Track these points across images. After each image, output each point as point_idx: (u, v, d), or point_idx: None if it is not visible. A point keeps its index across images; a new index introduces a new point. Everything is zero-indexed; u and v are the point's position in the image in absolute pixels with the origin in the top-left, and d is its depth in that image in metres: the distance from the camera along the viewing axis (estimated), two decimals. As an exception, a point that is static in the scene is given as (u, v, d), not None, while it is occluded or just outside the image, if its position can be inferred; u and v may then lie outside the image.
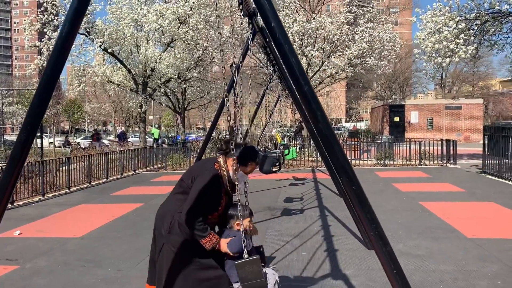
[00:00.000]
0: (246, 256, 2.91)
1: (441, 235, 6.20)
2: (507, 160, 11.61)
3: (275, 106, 13.22)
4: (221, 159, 3.21)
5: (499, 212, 7.68)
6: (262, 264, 3.04)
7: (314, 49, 21.93)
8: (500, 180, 11.52)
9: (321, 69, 23.50)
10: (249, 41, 5.97)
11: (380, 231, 1.82)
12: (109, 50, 17.77)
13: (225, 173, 3.16)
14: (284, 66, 1.81)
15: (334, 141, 1.81)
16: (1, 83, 62.73)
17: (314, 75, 23.56)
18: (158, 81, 20.28)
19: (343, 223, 7.05)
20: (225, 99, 3.10)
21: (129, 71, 19.31)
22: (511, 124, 25.36)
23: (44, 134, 39.83)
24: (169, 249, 3.05)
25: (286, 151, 10.38)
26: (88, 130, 56.10)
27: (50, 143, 38.07)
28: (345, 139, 17.56)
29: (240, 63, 6.12)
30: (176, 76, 20.73)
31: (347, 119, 63.48)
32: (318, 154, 14.26)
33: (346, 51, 23.39)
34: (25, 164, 10.49)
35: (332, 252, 5.54)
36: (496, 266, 4.84)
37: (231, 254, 3.01)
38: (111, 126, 59.15)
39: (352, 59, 23.27)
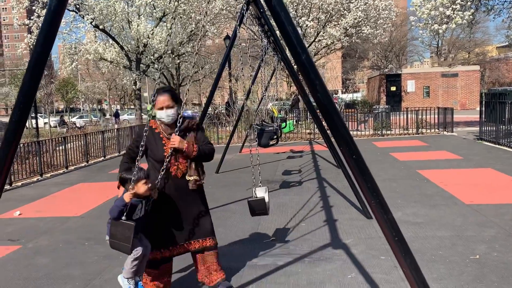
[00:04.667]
0: (124, 219, 3.05)
1: (439, 202, 6.25)
2: (503, 126, 11.63)
3: (270, 79, 13.12)
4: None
5: (496, 177, 7.73)
6: (140, 235, 3.25)
7: (309, 19, 21.61)
8: (497, 146, 11.56)
9: (316, 40, 23.22)
10: (243, 11, 5.84)
11: (381, 199, 1.82)
12: (100, 27, 17.44)
13: (158, 121, 3.46)
14: (281, 36, 1.75)
15: (334, 111, 1.78)
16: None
17: (310, 46, 23.27)
18: (152, 57, 20.01)
19: (341, 194, 7.10)
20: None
21: (122, 48, 19.02)
22: (507, 90, 25.32)
23: (38, 115, 39.62)
24: None
25: (283, 124, 10.35)
26: (83, 109, 55.71)
27: (45, 123, 37.89)
28: (341, 110, 17.52)
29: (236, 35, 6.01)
30: (170, 52, 20.45)
31: (344, 90, 63.16)
32: (315, 126, 14.24)
33: (341, 20, 23.07)
34: (21, 145, 10.46)
35: (331, 222, 5.59)
36: (494, 231, 4.89)
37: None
38: (106, 105, 58.75)
39: (347, 28, 22.96)
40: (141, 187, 3.10)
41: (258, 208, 3.96)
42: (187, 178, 3.40)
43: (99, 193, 8.20)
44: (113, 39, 18.78)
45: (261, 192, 3.99)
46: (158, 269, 3.47)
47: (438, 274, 3.86)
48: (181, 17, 20.05)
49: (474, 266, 3.99)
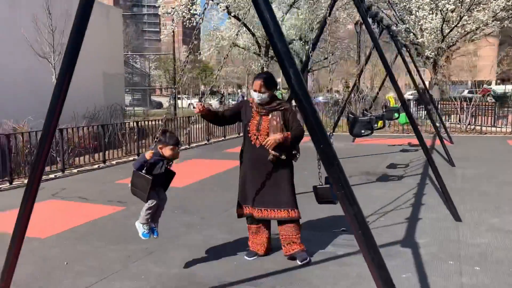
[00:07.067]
0: (143, 172, 3.48)
1: (554, 213, 5.41)
2: None
3: (391, 65, 12.51)
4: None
5: None
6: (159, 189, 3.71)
7: (450, 3, 19.74)
8: None
9: (459, 25, 21.11)
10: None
11: (347, 191, 1.76)
12: (232, 14, 18.42)
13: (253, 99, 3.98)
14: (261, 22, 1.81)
15: (306, 99, 1.78)
16: (150, 49, 69.60)
17: (451, 32, 21.27)
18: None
19: (441, 193, 6.57)
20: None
21: (253, 34, 19.85)
22: None
23: (185, 96, 44.06)
24: None
25: (396, 115, 9.89)
26: (222, 93, 59.58)
27: (189, 104, 41.93)
28: (477, 102, 15.69)
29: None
30: (298, 38, 20.71)
31: (499, 81, 56.14)
32: (440, 119, 13.21)
33: (491, 3, 20.56)
34: (153, 121, 11.77)
35: (413, 220, 5.27)
36: None
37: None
38: (245, 90, 61.70)
39: (497, 12, 20.40)
40: (167, 151, 3.58)
41: (324, 195, 4.00)
42: (270, 151, 3.82)
43: (206, 168, 8.91)
44: (245, 25, 19.69)
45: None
46: (254, 226, 4.11)
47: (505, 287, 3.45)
48: (311, 3, 20.10)
49: (559, 288, 3.45)
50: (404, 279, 3.65)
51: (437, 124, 15.64)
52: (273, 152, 3.80)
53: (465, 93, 33.22)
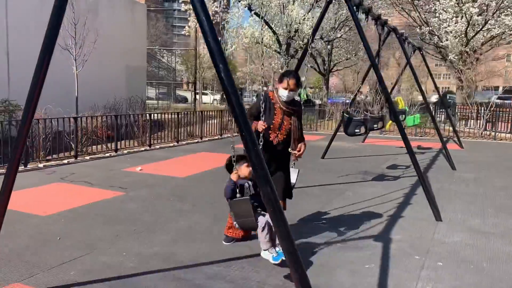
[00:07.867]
0: (238, 196, 3.41)
1: (536, 218, 5.48)
2: None
3: (403, 70, 12.56)
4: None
5: None
6: (260, 210, 3.57)
7: (475, 6, 19.44)
8: None
9: (483, 29, 20.74)
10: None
11: (263, 172, 2.01)
12: (253, 12, 18.67)
13: (276, 94, 4.12)
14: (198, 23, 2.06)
15: (232, 91, 2.03)
16: (179, 44, 70.56)
17: (475, 36, 20.91)
18: (301, 42, 20.64)
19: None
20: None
21: (274, 32, 20.05)
22: None
23: (209, 91, 44.87)
24: None
25: (403, 116, 9.97)
26: (247, 89, 60.12)
27: (214, 99, 42.59)
28: (493, 108, 15.43)
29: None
30: (319, 37, 20.80)
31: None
32: (450, 123, 13.14)
33: (518, 7, 20.10)
34: (168, 115, 12.16)
35: (395, 218, 5.44)
36: None
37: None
38: (271, 87, 61.80)
39: (525, 16, 19.93)
40: (243, 170, 3.61)
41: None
42: (290, 150, 4.07)
43: (210, 162, 9.23)
44: (267, 23, 19.91)
45: (292, 173, 4.25)
46: None
47: (459, 281, 3.61)
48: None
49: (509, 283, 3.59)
50: (366, 269, 3.85)
51: (450, 128, 15.55)
52: (294, 151, 4.11)
53: (493, 98, 32.54)
